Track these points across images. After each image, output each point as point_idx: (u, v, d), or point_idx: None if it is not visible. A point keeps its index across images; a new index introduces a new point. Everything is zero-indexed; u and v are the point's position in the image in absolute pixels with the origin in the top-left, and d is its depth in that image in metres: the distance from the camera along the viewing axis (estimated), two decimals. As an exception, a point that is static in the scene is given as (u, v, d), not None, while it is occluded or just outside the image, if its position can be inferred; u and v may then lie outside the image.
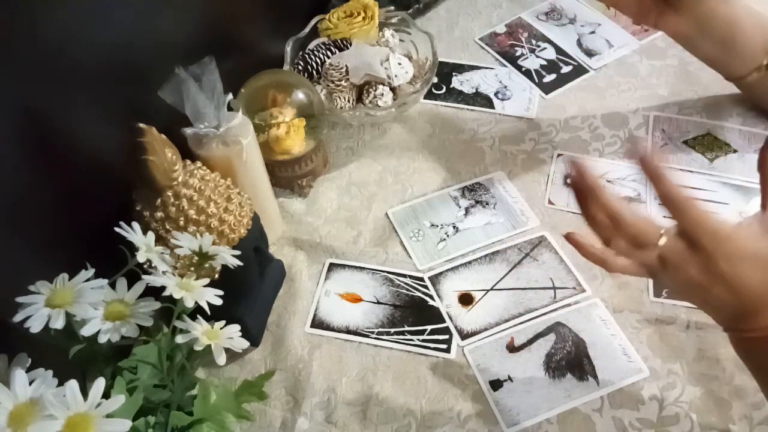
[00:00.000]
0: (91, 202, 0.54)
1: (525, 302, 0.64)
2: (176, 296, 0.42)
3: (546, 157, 0.76)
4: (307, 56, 0.80)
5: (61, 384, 0.37)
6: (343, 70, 0.77)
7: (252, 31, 0.81)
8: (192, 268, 0.47)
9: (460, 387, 0.59)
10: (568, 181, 0.73)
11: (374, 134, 0.81)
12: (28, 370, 0.37)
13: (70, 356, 0.41)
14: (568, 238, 0.50)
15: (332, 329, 0.64)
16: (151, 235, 0.46)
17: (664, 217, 0.44)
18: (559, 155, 0.76)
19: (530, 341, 0.61)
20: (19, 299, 0.40)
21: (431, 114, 0.83)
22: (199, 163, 0.55)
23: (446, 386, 0.59)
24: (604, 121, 0.79)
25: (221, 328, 0.44)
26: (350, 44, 0.81)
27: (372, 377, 0.60)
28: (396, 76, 0.78)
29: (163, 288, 0.42)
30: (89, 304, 0.41)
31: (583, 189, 0.46)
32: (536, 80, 0.85)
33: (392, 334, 0.63)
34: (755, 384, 0.48)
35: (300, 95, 0.71)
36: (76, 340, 0.42)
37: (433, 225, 0.71)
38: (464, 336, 0.62)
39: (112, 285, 0.43)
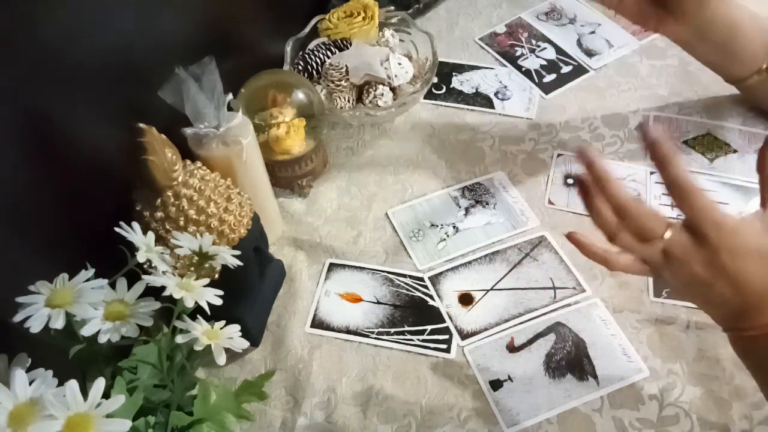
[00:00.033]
0: (91, 202, 0.54)
1: (525, 302, 0.64)
2: (176, 296, 0.42)
3: (546, 157, 0.76)
4: (307, 56, 0.80)
5: (61, 384, 0.37)
6: (343, 70, 0.77)
7: (252, 31, 0.81)
8: (192, 268, 0.47)
9: (460, 387, 0.59)
10: (569, 181, 0.73)
11: (374, 134, 0.81)
12: (28, 370, 0.37)
13: (70, 356, 0.41)
14: (570, 237, 0.50)
15: (332, 329, 0.64)
16: (151, 235, 0.46)
17: (670, 205, 0.44)
18: (559, 155, 0.76)
19: (530, 341, 0.61)
20: (19, 299, 0.40)
21: (431, 114, 0.83)
22: (199, 163, 0.55)
23: (446, 386, 0.59)
24: (604, 121, 0.79)
25: (221, 328, 0.44)
26: (350, 44, 0.81)
27: (372, 377, 0.60)
28: (396, 76, 0.78)
29: (163, 288, 0.42)
30: (89, 304, 0.41)
31: (589, 180, 0.45)
32: (536, 80, 0.85)
33: (392, 334, 0.63)
34: (755, 384, 0.48)
35: (300, 95, 0.72)
36: (76, 340, 0.42)
37: (433, 225, 0.71)
38: (464, 336, 0.62)
39: (112, 285, 0.43)
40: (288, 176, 0.74)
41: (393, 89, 0.79)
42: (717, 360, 0.58)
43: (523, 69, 0.86)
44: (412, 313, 0.64)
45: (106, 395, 0.37)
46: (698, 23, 0.65)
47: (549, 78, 0.85)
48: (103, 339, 0.40)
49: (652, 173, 0.73)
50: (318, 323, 0.64)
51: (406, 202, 0.74)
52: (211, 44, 0.59)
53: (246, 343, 0.45)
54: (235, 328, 0.45)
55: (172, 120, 0.55)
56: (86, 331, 0.40)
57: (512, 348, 0.61)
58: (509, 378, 0.59)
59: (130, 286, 0.44)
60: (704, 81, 0.80)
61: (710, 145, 0.75)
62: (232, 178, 0.58)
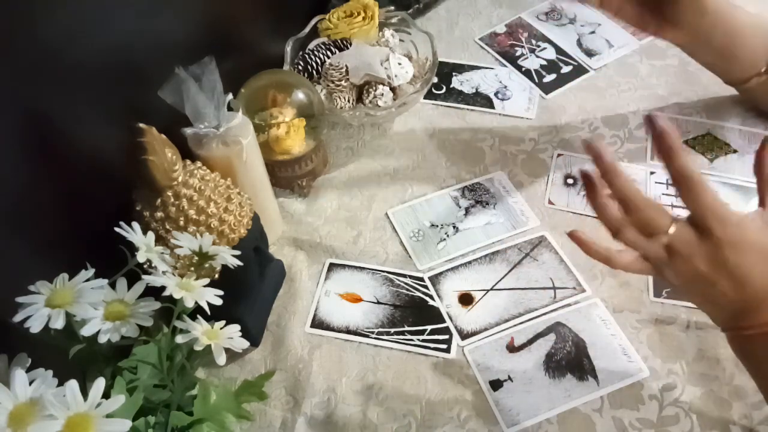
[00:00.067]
0: (91, 202, 0.54)
1: (525, 302, 0.64)
2: (176, 296, 0.42)
3: (546, 157, 0.76)
4: (307, 56, 0.80)
5: (61, 384, 0.37)
6: (343, 70, 0.77)
7: (252, 31, 0.81)
8: (192, 268, 0.47)
9: (460, 387, 0.59)
10: (569, 181, 0.73)
11: (374, 134, 0.81)
12: (28, 370, 0.37)
13: (70, 356, 0.41)
14: (572, 235, 0.49)
15: (332, 329, 0.64)
16: (151, 235, 0.46)
17: (670, 205, 0.44)
18: (559, 155, 0.76)
19: (530, 341, 0.61)
20: (19, 299, 0.40)
21: (431, 114, 0.83)
22: (199, 163, 0.55)
23: (446, 386, 0.59)
24: (604, 121, 0.79)
25: (221, 328, 0.45)
26: (350, 44, 0.81)
27: (372, 377, 0.60)
28: (396, 76, 0.78)
29: (163, 288, 0.42)
30: (89, 304, 0.41)
31: (595, 175, 0.45)
32: (536, 80, 0.85)
33: (392, 334, 0.63)
34: (755, 384, 0.48)
35: (300, 95, 0.71)
36: (76, 340, 0.42)
37: (433, 225, 0.71)
38: (464, 336, 0.62)
39: (112, 285, 0.43)
40: (288, 176, 0.74)
41: (393, 89, 0.79)
42: (717, 360, 0.58)
43: (523, 69, 0.86)
44: (412, 313, 0.64)
45: (106, 395, 0.37)
46: (698, 30, 0.65)
47: (549, 78, 0.85)
48: (103, 339, 0.40)
49: (652, 173, 0.73)
50: (318, 323, 0.64)
51: (406, 202, 0.74)
52: (211, 44, 0.59)
53: (246, 343, 0.45)
54: (235, 328, 0.45)
55: (172, 120, 0.55)
56: (86, 331, 0.40)
57: (512, 348, 0.61)
58: (509, 378, 0.59)
59: (130, 286, 0.44)
60: (704, 81, 0.80)
61: (710, 145, 0.75)
62: (232, 178, 0.58)
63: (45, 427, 0.35)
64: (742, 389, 0.56)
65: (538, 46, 0.89)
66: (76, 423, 0.35)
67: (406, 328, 0.63)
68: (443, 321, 0.63)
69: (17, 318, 0.39)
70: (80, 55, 0.52)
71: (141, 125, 0.47)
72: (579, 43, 0.89)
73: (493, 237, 0.69)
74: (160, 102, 0.54)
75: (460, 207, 0.72)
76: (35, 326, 0.39)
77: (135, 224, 0.46)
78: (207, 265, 0.47)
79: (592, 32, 0.90)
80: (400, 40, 0.84)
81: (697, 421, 0.55)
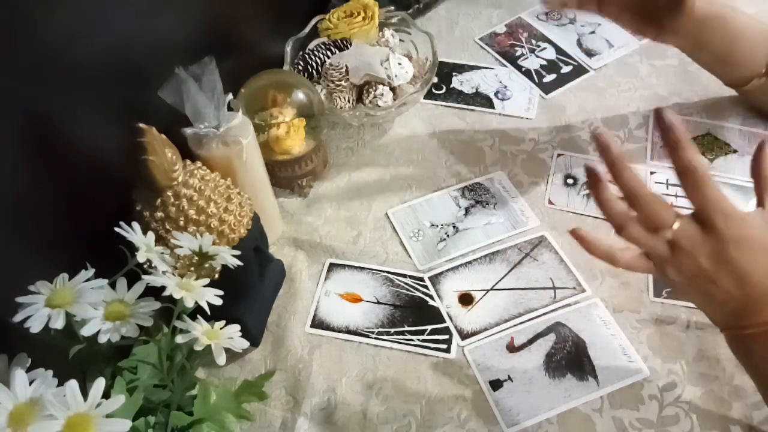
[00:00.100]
0: (91, 202, 0.54)
1: (525, 302, 0.64)
2: (176, 296, 0.42)
3: (546, 157, 0.76)
4: (307, 56, 0.80)
5: (61, 384, 0.37)
6: (343, 70, 0.77)
7: (252, 31, 0.81)
8: (192, 268, 0.47)
9: (460, 387, 0.59)
10: (569, 181, 0.73)
11: (374, 134, 0.81)
12: (28, 370, 0.37)
13: (70, 356, 0.41)
14: (574, 233, 0.49)
15: (332, 329, 0.64)
16: (151, 235, 0.46)
17: (674, 195, 0.44)
18: (559, 155, 0.76)
19: (530, 341, 0.61)
20: (19, 299, 0.40)
21: (431, 114, 0.83)
22: (199, 163, 0.55)
23: (446, 386, 0.59)
24: (604, 121, 0.79)
25: (221, 328, 0.44)
26: (350, 44, 0.81)
27: (372, 377, 0.60)
28: (396, 76, 0.78)
29: (163, 288, 0.42)
30: (89, 304, 0.41)
31: (600, 170, 0.45)
32: (536, 80, 0.85)
33: (392, 334, 0.63)
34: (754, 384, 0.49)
35: (300, 95, 0.72)
36: (76, 340, 0.42)
37: (433, 225, 0.71)
38: (464, 336, 0.62)
39: (112, 285, 0.43)
40: (288, 176, 0.74)
41: (393, 89, 0.79)
42: (717, 360, 0.58)
43: (523, 69, 0.86)
44: (412, 313, 0.64)
45: (106, 395, 0.37)
46: (697, 36, 0.65)
47: (549, 78, 0.85)
48: (103, 339, 0.40)
49: (652, 173, 0.73)
50: (318, 323, 0.64)
51: (406, 202, 0.74)
52: (211, 44, 0.59)
53: (246, 343, 0.45)
54: (235, 328, 0.45)
55: (172, 120, 0.55)
56: (86, 331, 0.40)
57: (512, 348, 0.61)
58: (509, 378, 0.59)
59: (130, 286, 0.44)
60: (704, 81, 0.80)
61: (710, 145, 0.75)
62: (232, 178, 0.58)
63: (45, 427, 0.35)
64: (742, 389, 0.56)
65: (538, 46, 0.89)
66: (76, 423, 0.35)
67: (406, 328, 0.63)
68: (443, 321, 0.63)
69: (17, 318, 0.39)
70: (80, 55, 0.52)
71: (141, 125, 0.47)
72: (579, 43, 0.89)
73: (493, 237, 0.69)
74: (160, 102, 0.54)
75: (460, 207, 0.72)
76: (35, 326, 0.39)
77: (135, 224, 0.46)
78: (207, 265, 0.47)
79: (592, 32, 0.90)
80: (400, 40, 0.84)
81: (697, 421, 0.55)
